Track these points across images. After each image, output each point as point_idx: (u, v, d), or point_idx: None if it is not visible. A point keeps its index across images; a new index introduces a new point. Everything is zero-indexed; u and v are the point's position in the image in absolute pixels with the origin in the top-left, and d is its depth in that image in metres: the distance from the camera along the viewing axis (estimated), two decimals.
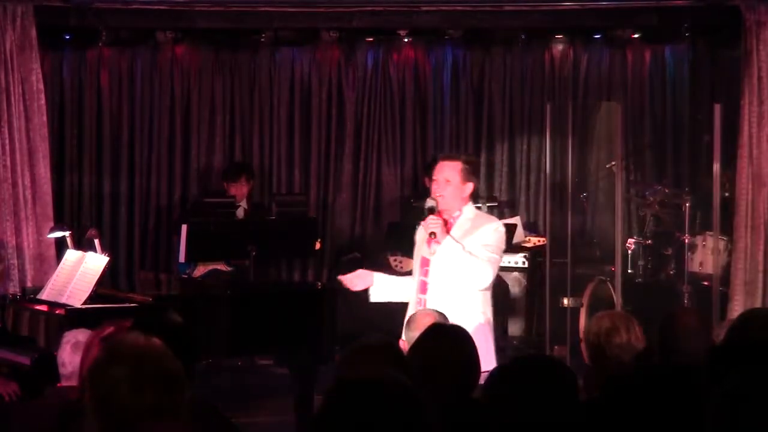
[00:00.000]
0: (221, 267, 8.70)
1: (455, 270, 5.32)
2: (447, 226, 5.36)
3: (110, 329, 3.82)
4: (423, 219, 5.41)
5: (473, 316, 5.29)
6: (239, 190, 8.98)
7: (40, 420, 3.77)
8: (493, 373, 2.90)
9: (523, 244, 9.08)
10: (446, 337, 3.75)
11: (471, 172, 5.43)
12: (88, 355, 3.80)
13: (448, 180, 5.39)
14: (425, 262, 5.45)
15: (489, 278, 5.34)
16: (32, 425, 3.81)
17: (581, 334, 8.27)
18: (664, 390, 2.90)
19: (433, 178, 5.47)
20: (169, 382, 2.73)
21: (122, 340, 2.86)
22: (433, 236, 5.27)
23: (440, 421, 3.25)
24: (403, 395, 2.35)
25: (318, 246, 8.85)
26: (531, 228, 9.48)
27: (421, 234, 5.49)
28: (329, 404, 2.35)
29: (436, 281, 5.40)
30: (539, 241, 9.10)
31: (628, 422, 2.90)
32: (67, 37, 9.31)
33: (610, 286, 8.44)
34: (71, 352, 4.20)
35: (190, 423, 2.80)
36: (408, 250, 5.97)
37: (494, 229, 5.43)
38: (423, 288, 5.44)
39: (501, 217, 9.48)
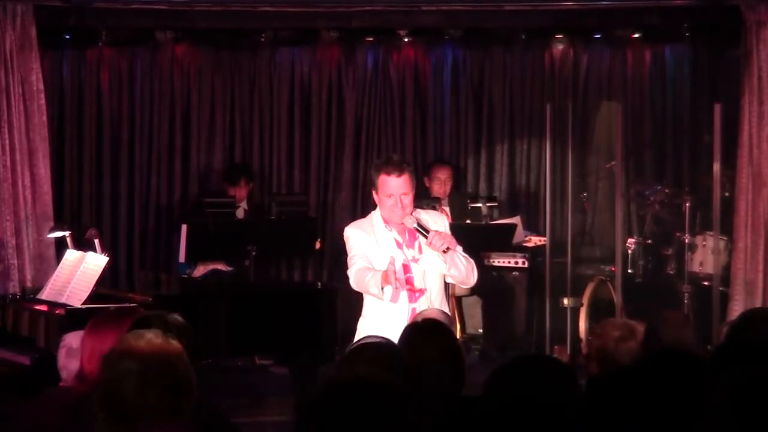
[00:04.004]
0: (221, 267, 8.70)
1: (442, 275, 5.28)
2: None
3: (96, 318, 3.86)
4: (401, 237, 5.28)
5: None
6: (239, 192, 9.00)
7: (43, 419, 3.77)
8: (493, 373, 2.90)
9: (524, 244, 9.09)
10: (428, 335, 3.77)
11: (415, 177, 5.36)
12: (84, 348, 3.82)
13: (407, 193, 5.25)
14: (406, 269, 5.26)
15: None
16: (36, 424, 3.81)
17: (581, 335, 8.33)
18: (661, 386, 2.91)
19: (390, 194, 5.22)
20: (176, 386, 2.72)
21: (140, 336, 2.86)
22: (446, 252, 5.13)
23: (431, 420, 3.26)
24: (389, 396, 2.35)
25: (318, 246, 8.85)
26: (531, 228, 9.48)
27: (375, 238, 5.32)
28: (316, 406, 2.35)
29: (432, 288, 5.27)
30: (540, 240, 9.10)
31: (629, 421, 2.91)
32: (67, 36, 9.30)
33: (610, 286, 8.44)
34: (65, 357, 4.20)
35: (191, 423, 2.80)
36: None
37: (447, 225, 5.41)
38: (409, 296, 5.24)
39: (501, 217, 9.50)
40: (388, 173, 5.24)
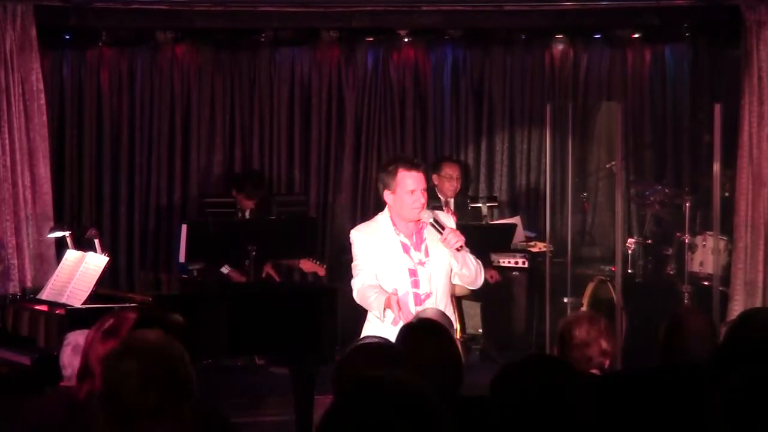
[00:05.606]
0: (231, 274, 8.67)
1: (450, 277, 5.28)
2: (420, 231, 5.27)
3: (110, 322, 3.82)
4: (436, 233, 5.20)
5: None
6: (244, 200, 8.93)
7: (44, 418, 3.77)
8: (500, 372, 2.90)
9: (528, 248, 9.09)
10: (425, 335, 3.76)
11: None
12: (91, 349, 3.79)
13: (425, 188, 5.24)
14: (412, 273, 5.24)
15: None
16: (36, 423, 3.81)
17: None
18: (667, 389, 2.91)
19: (411, 189, 5.16)
20: (176, 386, 2.72)
21: (141, 335, 2.86)
22: (459, 249, 5.11)
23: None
24: (421, 397, 2.33)
25: (323, 273, 8.78)
26: (531, 228, 9.48)
27: (381, 242, 5.26)
28: (344, 403, 2.33)
29: (438, 291, 5.25)
30: (544, 247, 9.07)
31: (633, 421, 2.90)
32: (67, 36, 9.30)
33: (610, 286, 8.44)
34: (71, 354, 4.19)
35: (191, 423, 2.80)
36: None
37: (455, 225, 5.37)
38: (416, 299, 5.21)
39: (501, 217, 9.50)
40: (408, 169, 5.19)
